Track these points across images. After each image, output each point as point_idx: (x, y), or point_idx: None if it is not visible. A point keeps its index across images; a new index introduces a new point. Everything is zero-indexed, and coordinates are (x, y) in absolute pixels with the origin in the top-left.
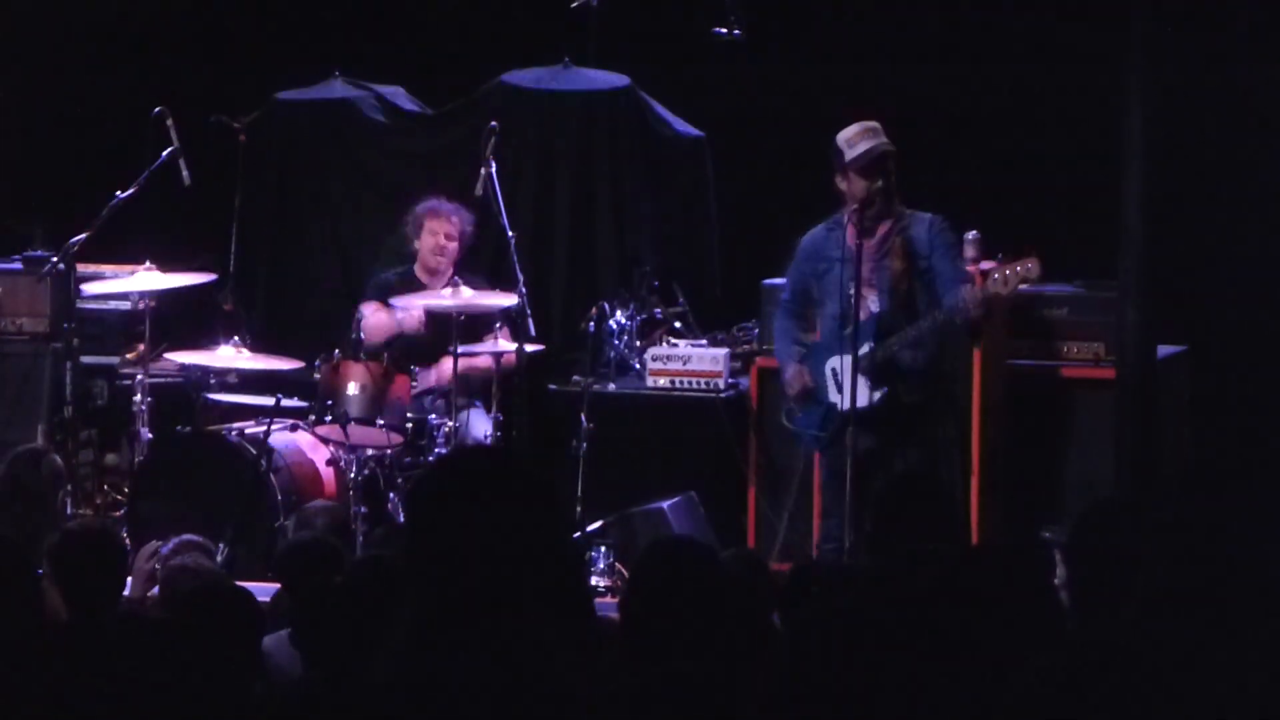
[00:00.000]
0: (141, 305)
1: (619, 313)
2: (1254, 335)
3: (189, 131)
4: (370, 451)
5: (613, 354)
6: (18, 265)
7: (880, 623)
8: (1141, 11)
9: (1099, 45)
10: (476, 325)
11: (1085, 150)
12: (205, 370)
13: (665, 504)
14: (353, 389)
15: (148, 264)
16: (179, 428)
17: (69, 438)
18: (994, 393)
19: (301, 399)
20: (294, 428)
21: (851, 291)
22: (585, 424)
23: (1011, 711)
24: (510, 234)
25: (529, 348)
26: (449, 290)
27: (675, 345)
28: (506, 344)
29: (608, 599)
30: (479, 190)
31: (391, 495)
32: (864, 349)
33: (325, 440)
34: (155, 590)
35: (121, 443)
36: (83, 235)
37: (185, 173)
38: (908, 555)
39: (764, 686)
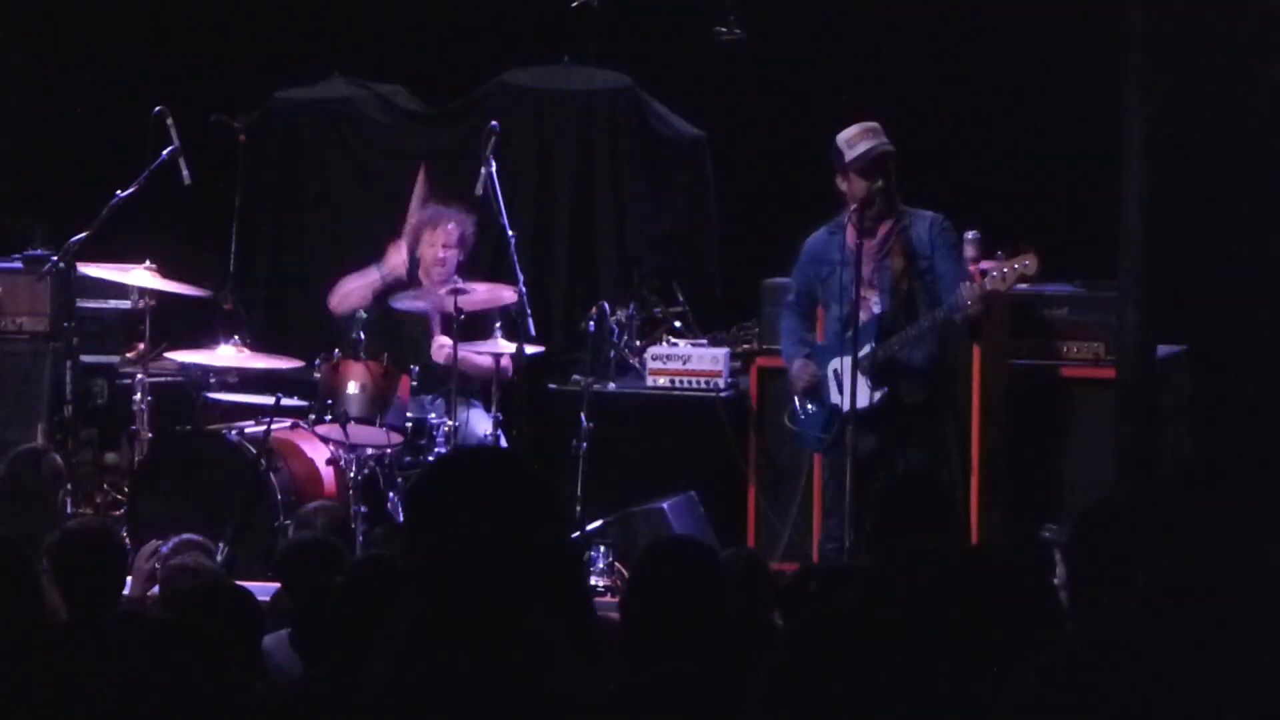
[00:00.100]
0: (141, 304)
1: (619, 312)
2: (1254, 335)
3: (189, 131)
4: (370, 451)
5: (613, 353)
6: (18, 264)
7: (880, 623)
8: (1141, 11)
9: (1099, 45)
10: (477, 326)
11: (1085, 150)
12: (205, 369)
13: (665, 503)
14: (352, 388)
15: (148, 263)
16: (179, 427)
17: (69, 437)
18: (994, 392)
19: (301, 398)
20: (294, 427)
21: (853, 293)
22: (585, 423)
23: (1011, 711)
24: (510, 233)
25: (529, 348)
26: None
27: (675, 345)
28: (506, 345)
29: (607, 598)
30: (479, 190)
31: (391, 495)
32: (865, 349)
33: (325, 439)
34: (155, 590)
35: (121, 442)
36: (83, 234)
37: (185, 172)
38: (908, 555)
39: (764, 686)
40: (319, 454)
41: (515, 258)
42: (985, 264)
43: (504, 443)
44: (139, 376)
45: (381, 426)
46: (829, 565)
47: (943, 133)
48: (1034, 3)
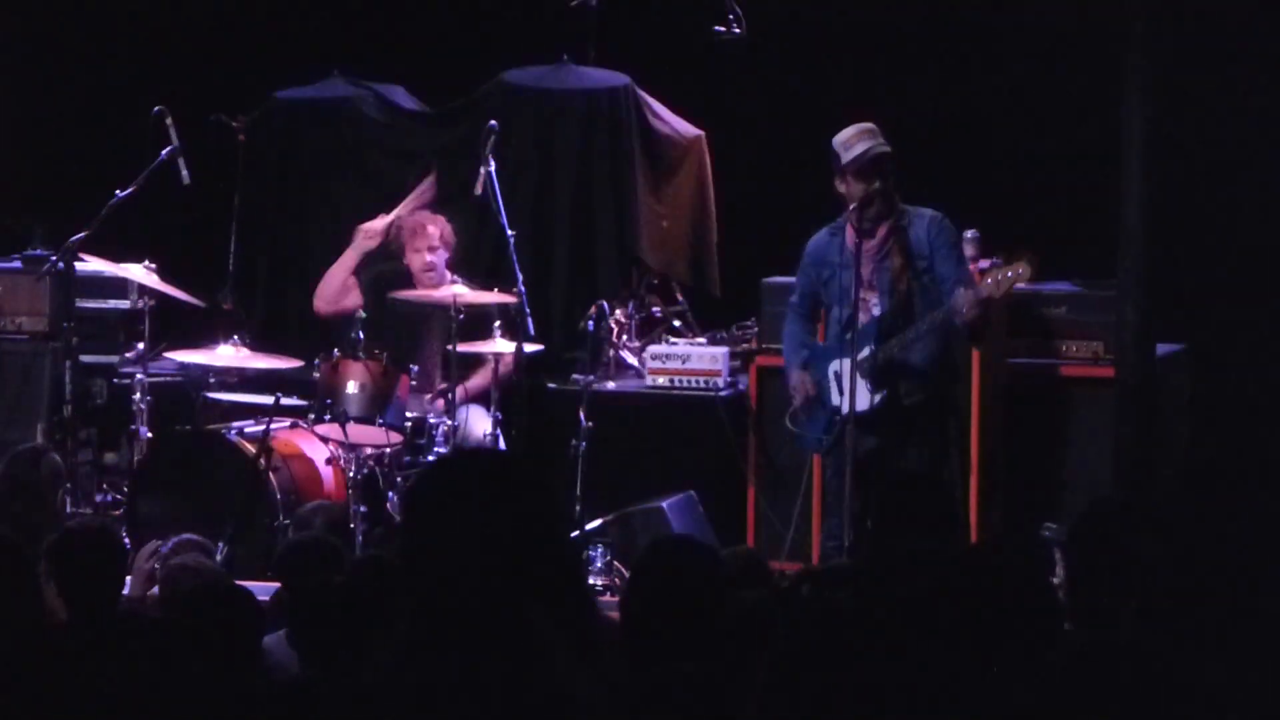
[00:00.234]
0: (141, 304)
1: (618, 311)
2: (1253, 334)
3: (189, 130)
4: (369, 450)
5: (612, 353)
6: (17, 264)
7: (880, 622)
8: (1141, 11)
9: (1099, 45)
10: (475, 326)
11: (1085, 149)
12: (204, 369)
13: (665, 503)
14: (352, 388)
15: (147, 262)
16: (178, 427)
17: (68, 436)
18: (993, 392)
19: (301, 398)
20: (293, 426)
21: (854, 295)
22: (585, 423)
23: (1011, 710)
24: (510, 233)
25: (528, 347)
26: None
27: (675, 344)
28: (506, 344)
29: (606, 598)
30: (478, 189)
31: (390, 494)
32: (865, 352)
33: (324, 439)
34: (155, 590)
35: (121, 442)
36: (82, 234)
37: (185, 172)
38: (908, 554)
39: (764, 686)
40: (318, 454)
41: (515, 257)
42: (985, 263)
43: (503, 442)
44: (138, 376)
45: (381, 426)
46: (824, 567)
47: (943, 132)
48: (1034, 3)
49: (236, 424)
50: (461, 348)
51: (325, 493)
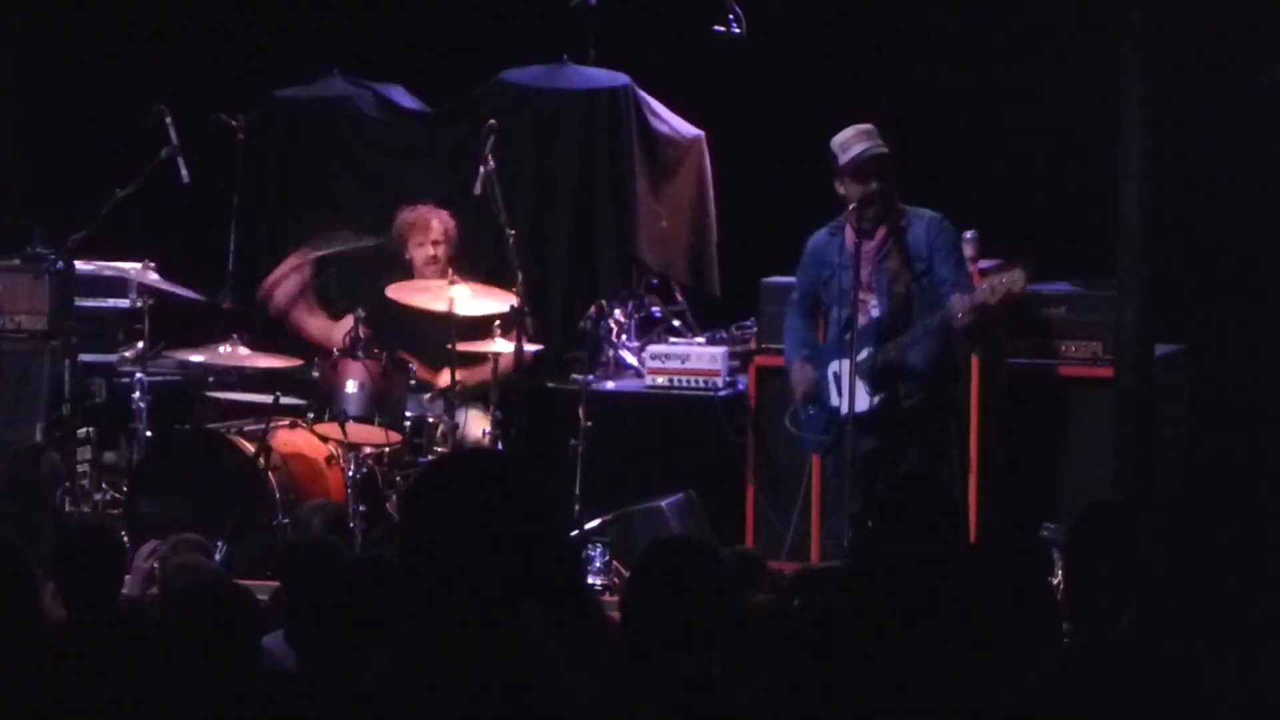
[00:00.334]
0: (140, 303)
1: (618, 311)
2: (1252, 334)
3: (188, 129)
4: (368, 450)
5: (611, 352)
6: (16, 263)
7: (879, 622)
8: (1141, 11)
9: (1099, 45)
10: (476, 325)
11: (1084, 149)
12: (204, 368)
13: (664, 502)
14: (351, 387)
15: (147, 261)
16: (177, 426)
17: (67, 435)
18: (992, 392)
19: (300, 397)
20: (293, 426)
21: (852, 296)
22: (584, 422)
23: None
24: (509, 232)
25: (528, 346)
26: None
27: (674, 344)
28: (506, 343)
29: (606, 598)
30: (478, 189)
31: (389, 494)
32: (863, 354)
33: (324, 438)
34: (154, 589)
35: (120, 441)
36: (82, 233)
37: (184, 170)
38: (908, 554)
39: (763, 686)
40: (318, 453)
41: (514, 256)
42: (984, 263)
43: (502, 442)
44: (138, 375)
45: (380, 425)
46: (820, 568)
47: (942, 132)
48: (1034, 3)
49: (235, 423)
50: (461, 347)
51: (324, 492)
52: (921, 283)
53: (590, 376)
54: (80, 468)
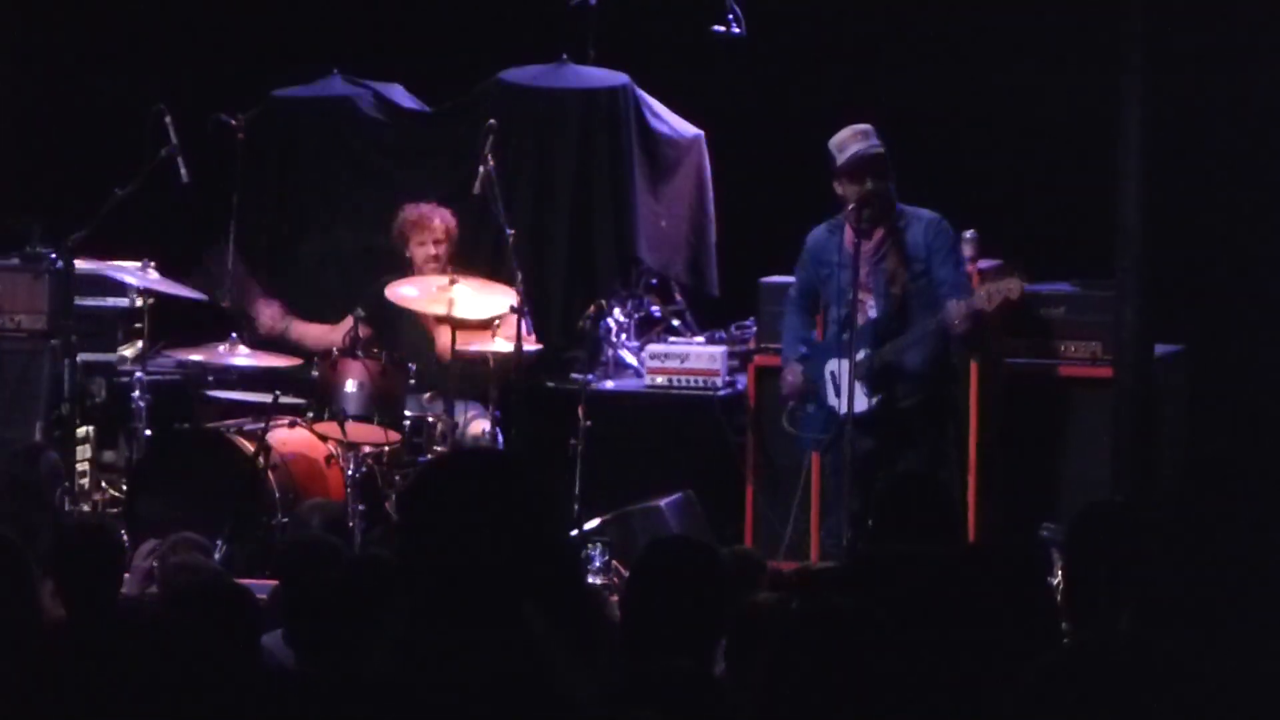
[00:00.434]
0: (140, 302)
1: (617, 311)
2: (1252, 334)
3: (188, 129)
4: (368, 449)
5: (611, 352)
6: (16, 262)
7: (879, 622)
8: (1141, 11)
9: (1099, 45)
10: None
11: (1083, 148)
12: (203, 367)
13: (663, 502)
14: (350, 386)
15: (147, 261)
16: (177, 425)
17: (67, 434)
18: (991, 392)
19: (299, 396)
20: (292, 425)
21: (850, 296)
22: (583, 422)
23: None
24: (508, 232)
25: (527, 345)
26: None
27: (673, 343)
28: (504, 341)
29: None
30: (477, 188)
31: (389, 493)
32: (860, 354)
33: (323, 437)
34: (153, 588)
35: (119, 440)
36: (81, 232)
37: (184, 170)
38: (907, 554)
39: (763, 686)
40: (317, 452)
41: (513, 256)
42: (984, 263)
43: (501, 441)
44: (137, 374)
45: (379, 424)
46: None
47: (942, 132)
48: (1034, 3)
49: (235, 422)
50: (460, 346)
51: (323, 491)
52: (919, 284)
53: (589, 376)
54: (80, 467)
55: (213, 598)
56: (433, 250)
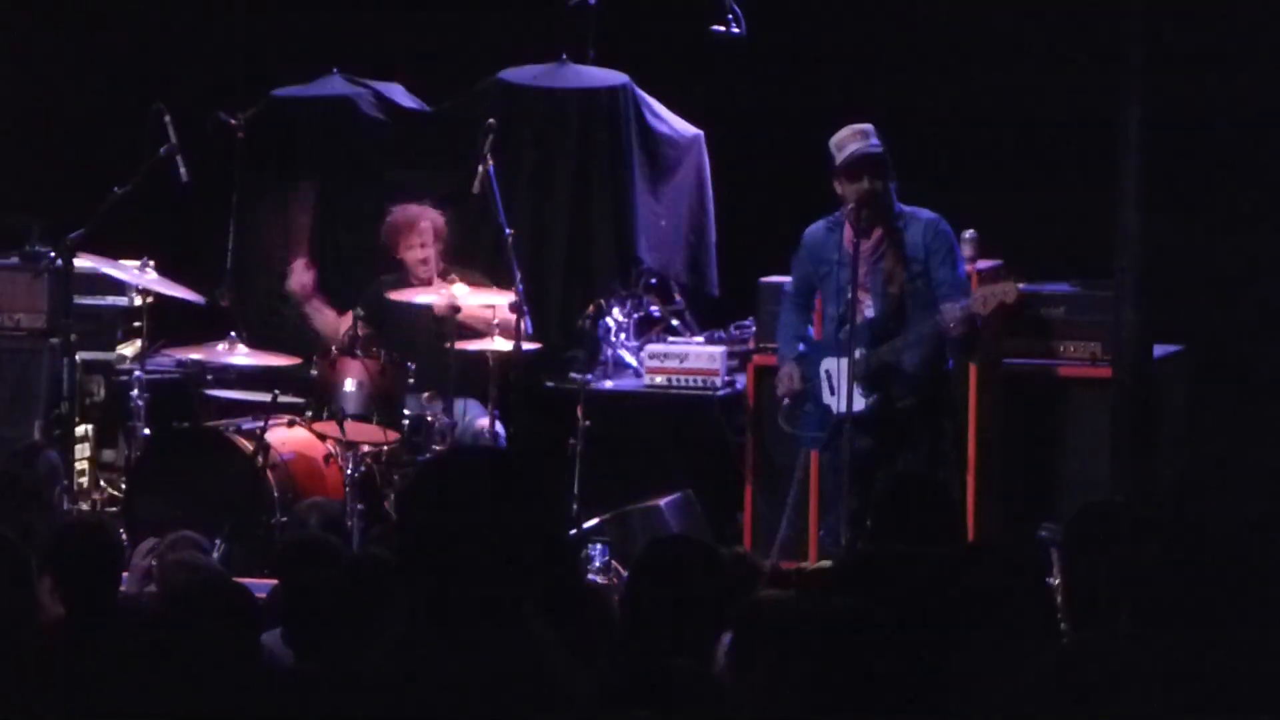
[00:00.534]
0: (139, 301)
1: (616, 310)
2: (1251, 334)
3: (187, 128)
4: (367, 448)
5: (610, 351)
6: (15, 261)
7: (878, 622)
8: (1141, 11)
9: (1097, 44)
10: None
11: (1083, 148)
12: (202, 366)
13: (662, 502)
14: (349, 385)
15: (146, 260)
16: (176, 424)
17: (66, 433)
18: (990, 391)
19: (298, 395)
20: (291, 424)
21: (849, 295)
22: (582, 421)
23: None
24: (508, 231)
25: (526, 345)
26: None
27: (672, 343)
28: (503, 341)
29: None
30: (476, 188)
31: (388, 492)
32: (857, 354)
33: (322, 436)
34: (152, 586)
35: (118, 439)
36: (80, 231)
37: (183, 169)
38: (906, 554)
39: (762, 684)
40: (316, 451)
41: (513, 255)
42: (984, 264)
43: (501, 440)
44: (136, 373)
45: (378, 424)
46: (817, 568)
47: (942, 132)
48: (1034, 2)
49: (234, 421)
50: (459, 345)
51: (322, 490)
52: (917, 284)
53: (588, 376)
54: (79, 466)
55: (211, 596)
56: (421, 254)
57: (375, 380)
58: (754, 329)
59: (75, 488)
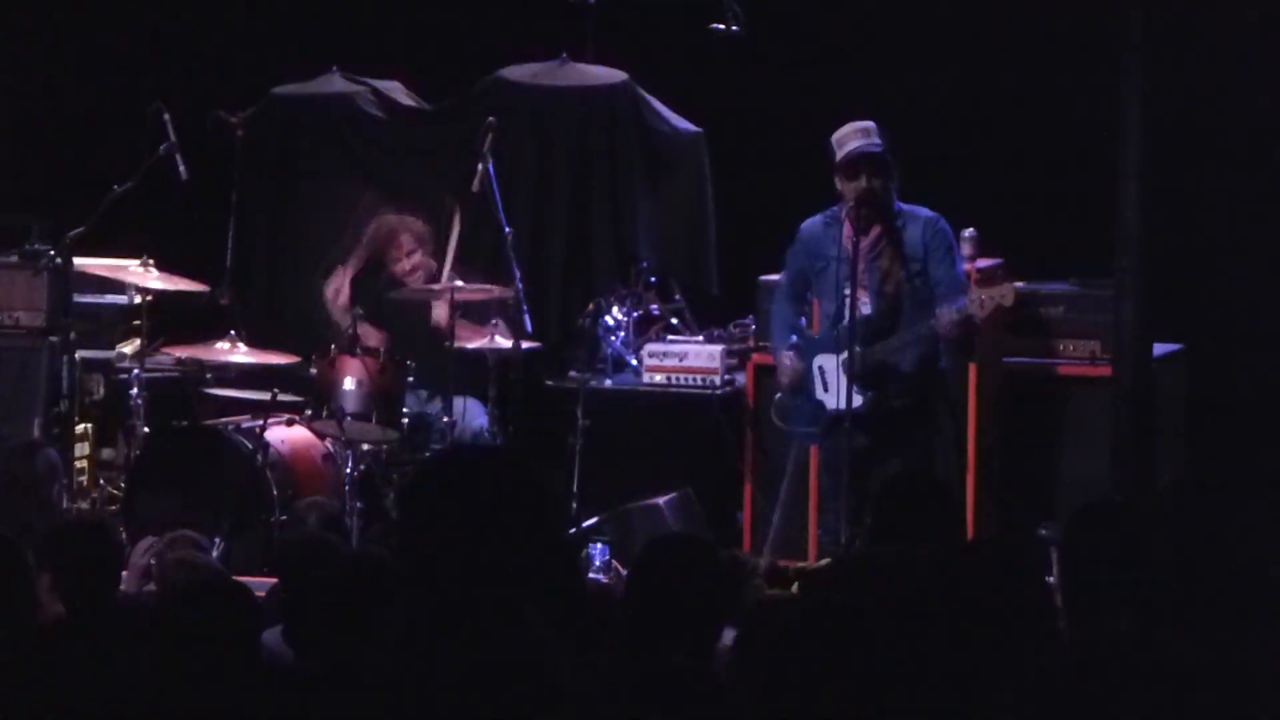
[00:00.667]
0: (138, 299)
1: (615, 309)
2: (1251, 334)
3: (187, 126)
4: (366, 447)
5: (609, 350)
6: (15, 259)
7: (877, 621)
8: (1140, 12)
9: (1097, 44)
10: (472, 318)
11: (1082, 147)
12: (202, 365)
13: (662, 500)
14: (349, 384)
15: (145, 258)
16: (175, 422)
17: (65, 432)
18: (990, 390)
19: (298, 394)
20: (290, 423)
21: (848, 291)
22: (581, 420)
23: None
24: (507, 230)
25: (525, 344)
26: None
27: (672, 342)
28: (503, 339)
29: None
30: (476, 186)
31: (387, 491)
32: (848, 353)
33: (321, 435)
34: (151, 585)
35: (118, 437)
36: (80, 229)
37: (183, 167)
38: (905, 553)
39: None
40: (315, 450)
41: (512, 254)
42: (983, 262)
43: (500, 439)
44: (135, 371)
45: (377, 422)
46: (816, 567)
47: (942, 130)
48: (1034, 2)
49: (233, 420)
50: (459, 344)
51: (322, 489)
52: (915, 283)
53: (588, 374)
54: (78, 464)
55: (211, 595)
56: (408, 264)
57: (375, 379)
58: (753, 327)
59: (74, 486)
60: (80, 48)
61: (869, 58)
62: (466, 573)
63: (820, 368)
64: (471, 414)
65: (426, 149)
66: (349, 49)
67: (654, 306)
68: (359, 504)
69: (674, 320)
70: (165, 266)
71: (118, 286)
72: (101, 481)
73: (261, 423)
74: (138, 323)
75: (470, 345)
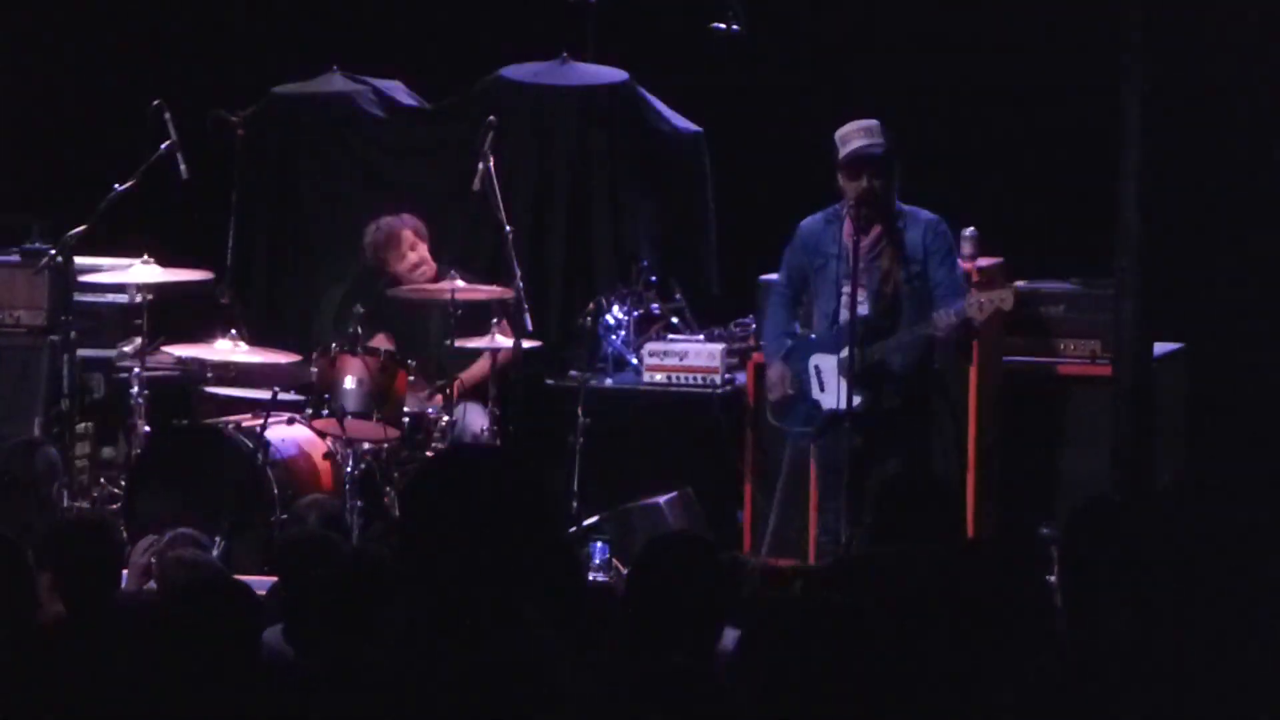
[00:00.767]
0: (139, 298)
1: (616, 308)
2: (1252, 333)
3: (187, 125)
4: (366, 446)
5: (609, 349)
6: (15, 258)
7: (876, 621)
8: (1140, 12)
9: (1098, 44)
10: (473, 319)
11: (1083, 147)
12: (202, 363)
13: (662, 500)
14: (349, 383)
15: (145, 257)
16: (176, 421)
17: (66, 431)
18: (990, 390)
19: (298, 392)
20: (291, 422)
21: (846, 290)
22: (582, 419)
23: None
24: (507, 229)
25: (526, 343)
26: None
27: (672, 341)
28: (504, 339)
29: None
30: (477, 185)
31: (388, 490)
32: (844, 353)
33: (322, 434)
34: (151, 584)
35: (118, 436)
36: (80, 228)
37: (183, 166)
38: (905, 553)
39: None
40: (316, 449)
41: (512, 253)
42: (983, 261)
43: (500, 439)
44: (136, 370)
45: (378, 421)
46: (816, 566)
47: (942, 130)
48: (1034, 2)
49: (234, 418)
50: (459, 343)
51: (322, 488)
52: (914, 284)
53: (588, 373)
54: (78, 463)
55: (211, 594)
56: (412, 259)
57: (375, 377)
58: (754, 326)
59: (75, 485)
60: (80, 48)
61: (869, 57)
62: (466, 572)
63: (817, 367)
64: (471, 413)
65: (426, 148)
66: (349, 48)
67: (654, 306)
68: (359, 503)
69: (674, 319)
70: (165, 266)
71: (118, 285)
72: (102, 480)
73: (262, 421)
74: (138, 321)
75: (471, 344)
